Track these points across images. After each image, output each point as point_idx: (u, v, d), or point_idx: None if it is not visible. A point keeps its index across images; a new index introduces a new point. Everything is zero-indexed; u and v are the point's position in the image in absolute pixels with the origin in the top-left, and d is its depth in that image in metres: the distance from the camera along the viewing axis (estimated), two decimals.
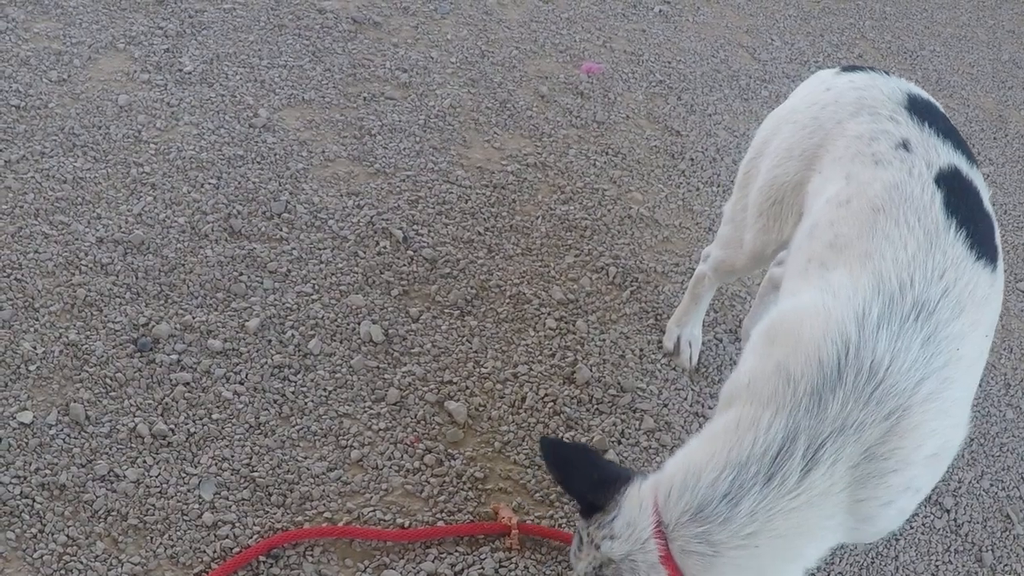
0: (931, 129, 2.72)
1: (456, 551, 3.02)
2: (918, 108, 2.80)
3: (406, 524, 3.06)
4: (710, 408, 3.53)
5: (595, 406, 3.48)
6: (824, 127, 2.88)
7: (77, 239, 3.75)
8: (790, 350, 2.42)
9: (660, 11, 5.83)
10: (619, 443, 3.37)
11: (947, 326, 2.40)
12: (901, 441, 2.31)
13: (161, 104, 4.43)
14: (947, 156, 2.67)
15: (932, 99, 2.95)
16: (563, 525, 3.14)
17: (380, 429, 3.31)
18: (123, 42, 4.75)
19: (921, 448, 2.33)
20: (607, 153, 4.58)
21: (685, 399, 3.56)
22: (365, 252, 3.88)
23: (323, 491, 3.12)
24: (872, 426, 2.31)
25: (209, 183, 4.06)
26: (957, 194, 2.58)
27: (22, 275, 3.60)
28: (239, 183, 4.08)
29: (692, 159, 4.66)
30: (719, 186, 4.52)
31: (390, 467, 3.21)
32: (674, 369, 3.65)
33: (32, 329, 3.43)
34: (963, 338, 2.42)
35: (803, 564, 2.42)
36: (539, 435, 3.35)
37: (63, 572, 2.84)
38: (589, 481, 2.58)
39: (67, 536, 2.92)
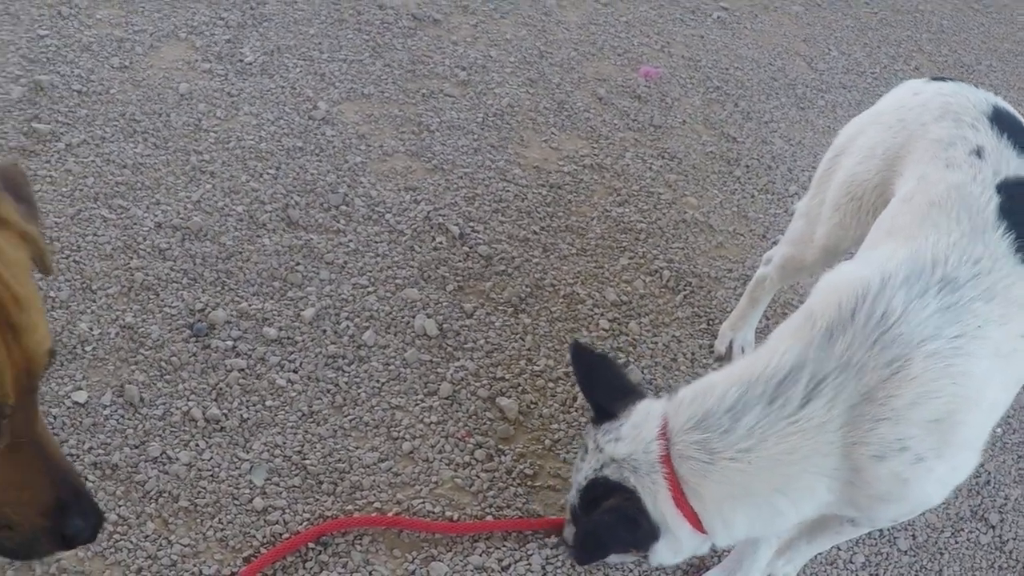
0: (1008, 141, 2.74)
1: (504, 546, 3.04)
2: (1001, 120, 2.82)
3: (455, 517, 3.08)
4: None
5: None
6: (908, 128, 2.92)
7: (136, 223, 3.79)
8: (820, 298, 2.54)
9: (718, 17, 5.83)
10: None
11: (971, 303, 2.44)
12: (897, 390, 2.36)
13: (221, 94, 4.46)
14: (1017, 167, 2.68)
15: (1020, 115, 2.95)
16: None
17: (432, 422, 3.33)
18: (185, 31, 4.79)
19: (917, 406, 2.37)
20: (663, 157, 4.59)
21: None
22: (421, 247, 3.90)
23: (373, 481, 3.14)
24: (873, 370, 2.37)
25: (268, 173, 4.09)
26: (1016, 201, 2.60)
27: (80, 257, 3.63)
28: (297, 174, 4.11)
29: (747, 166, 4.66)
30: (774, 194, 4.52)
31: (440, 460, 3.23)
32: None
33: (89, 310, 3.47)
34: (989, 323, 2.45)
35: (791, 504, 2.51)
36: None
37: (113, 550, 2.87)
38: (608, 388, 2.77)
39: (118, 515, 2.94)
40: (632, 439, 2.61)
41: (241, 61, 4.67)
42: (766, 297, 3.67)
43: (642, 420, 2.64)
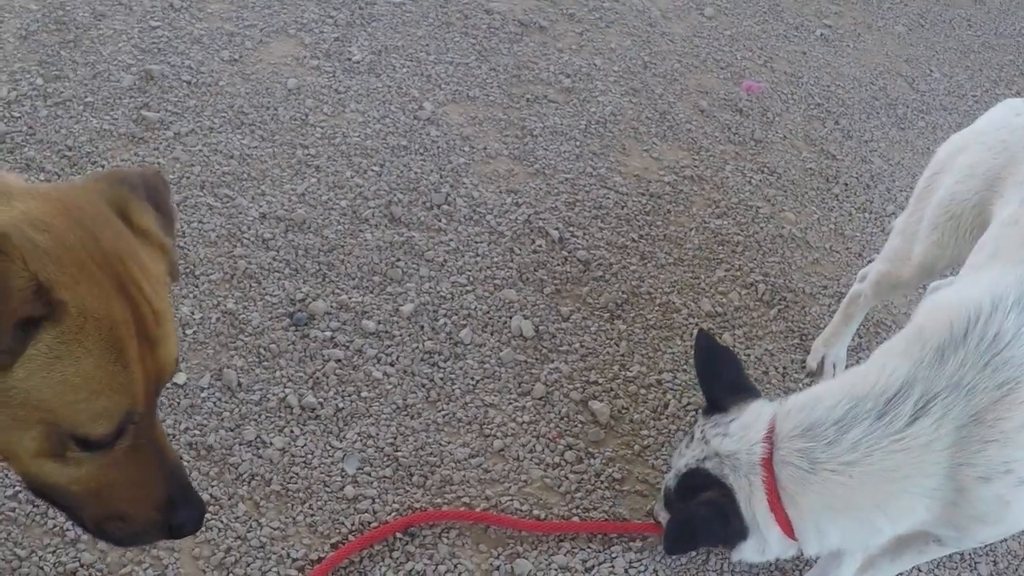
0: None
1: (589, 548, 3.06)
2: None
3: (542, 516, 3.11)
4: None
5: None
6: (1010, 150, 2.90)
7: (241, 213, 3.86)
8: (930, 317, 2.53)
9: (821, 34, 5.82)
10: None
11: None
12: (1007, 412, 2.34)
13: (329, 90, 4.53)
14: None
15: None
16: None
17: (524, 422, 3.36)
18: (294, 28, 4.87)
19: None
20: (763, 171, 4.60)
21: None
22: (521, 249, 3.94)
23: (463, 476, 3.18)
24: (983, 392, 2.35)
25: (372, 170, 4.15)
26: None
27: (185, 243, 3.71)
28: (401, 172, 4.16)
29: (846, 184, 4.66)
30: (871, 213, 4.51)
31: (531, 459, 3.26)
32: None
33: (192, 295, 3.54)
34: None
35: (893, 520, 2.51)
36: (679, 442, 3.38)
37: (204, 529, 2.92)
38: (725, 382, 2.82)
39: (210, 495, 3.01)
40: (739, 437, 2.64)
41: (349, 59, 4.73)
42: (860, 314, 3.67)
43: (751, 420, 2.66)
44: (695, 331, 3.70)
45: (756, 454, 2.58)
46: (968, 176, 3.00)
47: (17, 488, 2.94)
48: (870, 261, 4.09)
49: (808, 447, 2.50)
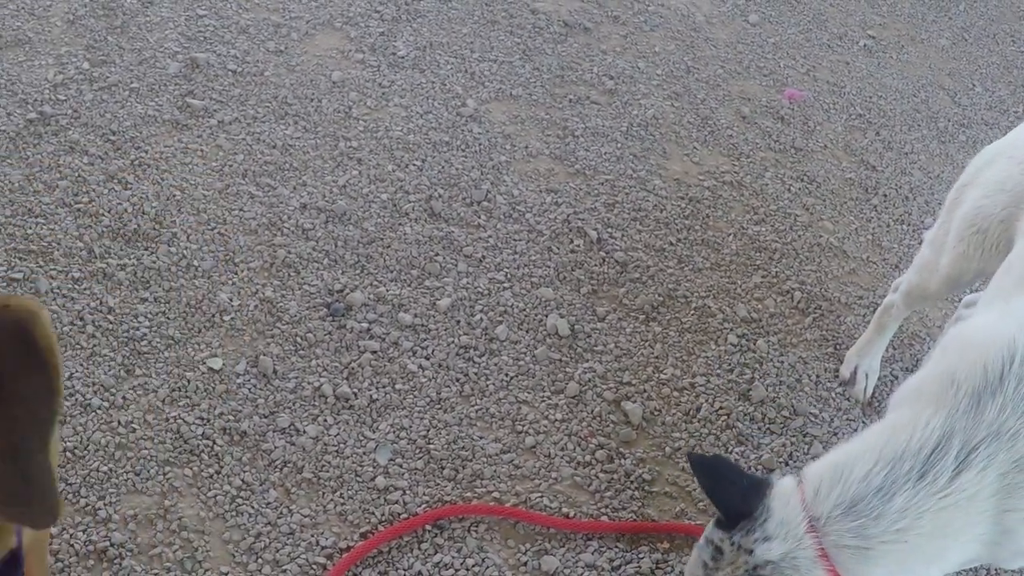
0: None
1: (616, 547, 3.07)
2: None
3: (571, 514, 3.12)
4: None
5: (767, 425, 3.50)
6: None
7: (282, 202, 3.89)
8: (958, 357, 2.39)
9: (865, 45, 5.81)
10: (786, 464, 3.39)
11: None
12: None
13: (373, 84, 4.56)
14: None
15: None
16: None
17: (556, 420, 3.38)
18: (340, 21, 4.89)
19: None
20: (802, 180, 4.60)
21: (855, 430, 3.55)
22: (559, 248, 3.96)
23: (494, 471, 3.20)
24: None
25: (414, 164, 4.17)
26: None
27: (225, 230, 3.74)
28: (442, 168, 4.19)
29: (885, 195, 4.65)
30: (910, 225, 4.51)
31: (562, 457, 3.28)
32: (848, 399, 3.66)
33: (230, 282, 3.57)
34: None
35: (942, 567, 2.41)
36: (711, 446, 3.39)
37: (234, 513, 2.96)
38: (738, 489, 2.54)
39: (242, 480, 3.04)
40: (783, 537, 2.42)
41: (394, 54, 4.76)
42: (893, 325, 3.65)
43: (786, 514, 2.44)
44: (729, 336, 3.72)
45: (809, 547, 2.38)
46: (996, 191, 2.96)
47: None
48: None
49: (858, 524, 2.34)
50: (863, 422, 3.59)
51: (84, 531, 2.86)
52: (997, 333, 2.38)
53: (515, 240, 3.95)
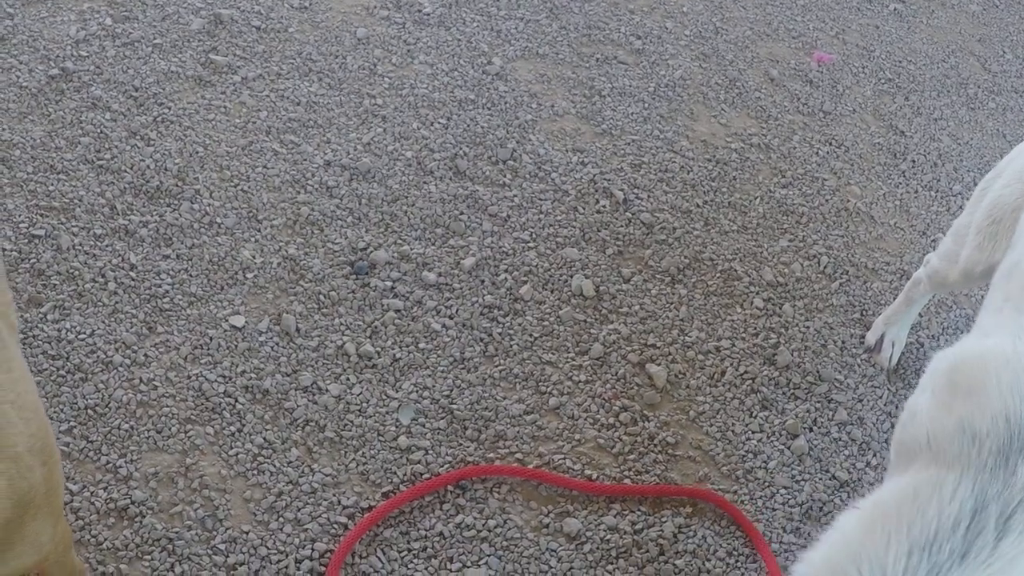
0: None
1: (639, 510, 3.05)
2: None
3: (594, 476, 3.11)
4: (903, 410, 3.49)
5: (791, 390, 3.48)
6: None
7: (305, 159, 3.87)
8: (975, 405, 2.12)
9: (895, 9, 5.75)
10: (810, 431, 3.37)
11: None
12: None
13: (398, 41, 4.52)
14: None
15: None
16: (745, 501, 3.15)
17: (580, 381, 3.36)
18: None
19: None
20: (830, 144, 4.56)
21: (880, 397, 3.53)
22: (584, 208, 3.93)
23: (517, 432, 3.18)
24: None
25: (439, 122, 4.14)
26: None
27: (249, 187, 3.72)
28: (468, 126, 4.15)
29: (914, 161, 4.61)
30: (937, 191, 4.47)
31: (585, 419, 3.26)
32: (873, 366, 3.63)
33: (253, 239, 3.55)
34: None
35: None
36: (735, 410, 3.36)
37: (255, 472, 2.95)
38: None
39: (264, 439, 3.02)
40: None
41: (419, 11, 4.72)
42: (922, 300, 3.60)
43: None
44: (755, 300, 3.69)
45: None
46: (1016, 180, 2.87)
47: (72, 423, 2.97)
48: (934, 241, 4.06)
49: None
50: (888, 388, 3.56)
51: (105, 489, 2.85)
52: (1017, 375, 2.14)
53: (540, 200, 3.92)
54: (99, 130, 3.84)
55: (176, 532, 2.80)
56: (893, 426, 3.42)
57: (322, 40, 4.44)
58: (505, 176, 3.98)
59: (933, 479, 2.06)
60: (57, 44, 4.16)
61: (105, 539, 2.76)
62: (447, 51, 4.52)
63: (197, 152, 3.82)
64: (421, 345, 3.35)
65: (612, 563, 2.93)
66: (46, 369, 3.10)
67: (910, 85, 5.13)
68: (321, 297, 3.43)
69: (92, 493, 2.84)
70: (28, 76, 3.99)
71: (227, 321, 3.31)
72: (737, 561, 3.00)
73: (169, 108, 3.98)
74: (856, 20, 5.53)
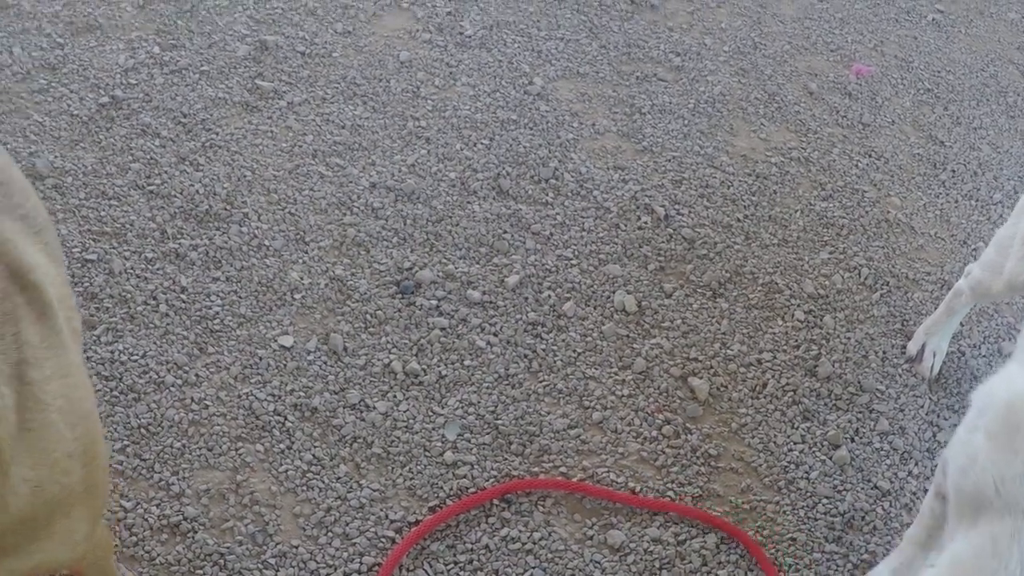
0: None
1: (682, 522, 3.09)
2: None
3: (637, 489, 3.14)
4: (944, 419, 3.52)
5: (833, 401, 3.51)
6: None
7: (351, 182, 3.93)
8: None
9: (933, 19, 5.77)
10: (852, 440, 3.39)
11: None
12: None
13: (440, 64, 4.59)
14: None
15: None
16: (787, 511, 3.18)
17: (623, 395, 3.40)
18: (407, 2, 4.93)
19: None
20: (870, 155, 4.58)
21: (921, 407, 3.55)
22: (626, 225, 3.97)
23: (561, 446, 3.23)
24: None
25: (482, 143, 4.20)
26: None
27: (296, 210, 3.79)
28: (510, 146, 4.21)
29: (954, 171, 4.62)
30: (978, 200, 4.48)
31: (628, 432, 3.30)
32: (914, 376, 3.65)
33: (301, 261, 3.62)
34: None
35: None
36: (777, 422, 3.39)
37: (305, 488, 3.01)
38: None
39: (313, 455, 3.09)
40: None
41: (461, 33, 4.78)
42: (963, 310, 3.59)
43: None
44: (796, 312, 3.72)
45: None
46: None
47: (125, 442, 3.04)
48: (975, 251, 4.08)
49: None
50: (929, 398, 3.58)
51: (158, 506, 2.92)
52: None
53: (583, 217, 3.96)
54: (149, 156, 3.92)
55: (227, 547, 2.86)
56: (935, 436, 3.45)
57: (366, 64, 4.51)
58: (547, 195, 4.03)
59: (1010, 530, 2.00)
60: (107, 73, 4.25)
61: (158, 555, 2.82)
62: (488, 72, 4.58)
63: (245, 176, 3.89)
64: (466, 362, 3.41)
65: (655, 574, 2.97)
66: (100, 390, 3.17)
67: (949, 95, 5.15)
68: (368, 316, 3.49)
69: (145, 510, 2.90)
70: (79, 104, 4.08)
71: (276, 341, 3.37)
72: (780, 571, 3.03)
73: (217, 133, 4.06)
74: (894, 31, 5.55)
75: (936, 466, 3.34)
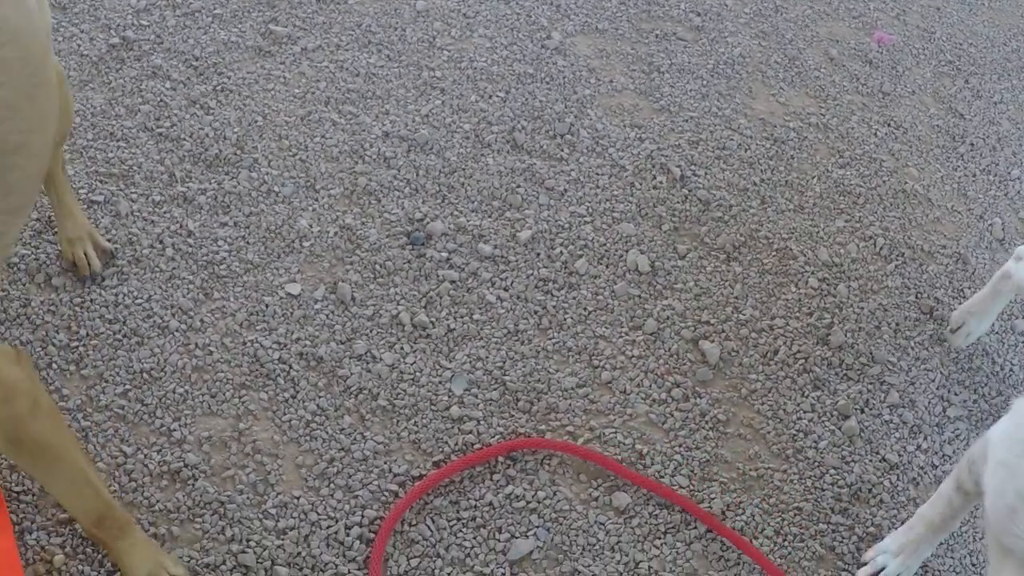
0: None
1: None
2: None
3: (644, 451, 3.11)
4: (955, 394, 3.48)
5: (844, 371, 3.47)
6: None
7: (364, 130, 3.88)
8: None
9: None
10: (862, 412, 3.36)
11: None
12: None
13: (457, 14, 4.53)
14: None
15: None
16: (794, 480, 3.14)
17: (633, 356, 3.36)
18: None
19: None
20: (889, 125, 4.53)
21: (933, 380, 3.52)
22: (641, 184, 3.93)
23: (569, 405, 3.19)
24: None
25: (497, 95, 4.15)
26: None
27: (307, 156, 3.74)
28: (526, 100, 4.16)
29: (972, 144, 4.57)
30: (996, 175, 4.43)
31: (637, 394, 3.26)
32: (927, 349, 3.61)
33: (311, 208, 3.57)
34: None
35: None
36: (787, 389, 3.36)
37: (308, 438, 2.98)
38: None
39: (317, 406, 3.05)
40: None
41: None
42: (1008, 294, 3.50)
43: None
44: (810, 280, 3.68)
45: None
46: None
47: (127, 386, 3.01)
48: (991, 225, 4.04)
49: None
50: (940, 372, 3.54)
51: (159, 451, 2.88)
52: None
53: (598, 174, 3.92)
54: (159, 98, 3.87)
55: (228, 496, 2.82)
56: (944, 411, 3.42)
57: (381, 12, 4.45)
58: (563, 151, 3.98)
59: None
60: (117, 13, 4.19)
61: (157, 501, 2.79)
62: (506, 25, 4.53)
63: (256, 121, 3.84)
64: (475, 316, 3.37)
65: (660, 538, 2.94)
66: (103, 333, 3.13)
67: (970, 67, 5.09)
68: (377, 267, 3.45)
69: (146, 456, 2.87)
70: (89, 44, 4.02)
71: (283, 288, 3.33)
72: (785, 540, 3.01)
73: (228, 78, 4.00)
74: (917, 1, 5.49)
75: (954, 453, 3.32)
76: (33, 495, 2.74)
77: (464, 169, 3.82)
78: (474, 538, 2.85)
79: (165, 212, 3.48)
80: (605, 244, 3.68)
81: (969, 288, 3.83)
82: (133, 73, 3.95)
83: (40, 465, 2.29)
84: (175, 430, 2.94)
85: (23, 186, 2.11)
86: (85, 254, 3.23)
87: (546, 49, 4.43)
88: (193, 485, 2.83)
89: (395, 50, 4.27)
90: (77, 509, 2.43)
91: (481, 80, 4.21)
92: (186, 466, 2.86)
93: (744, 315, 3.56)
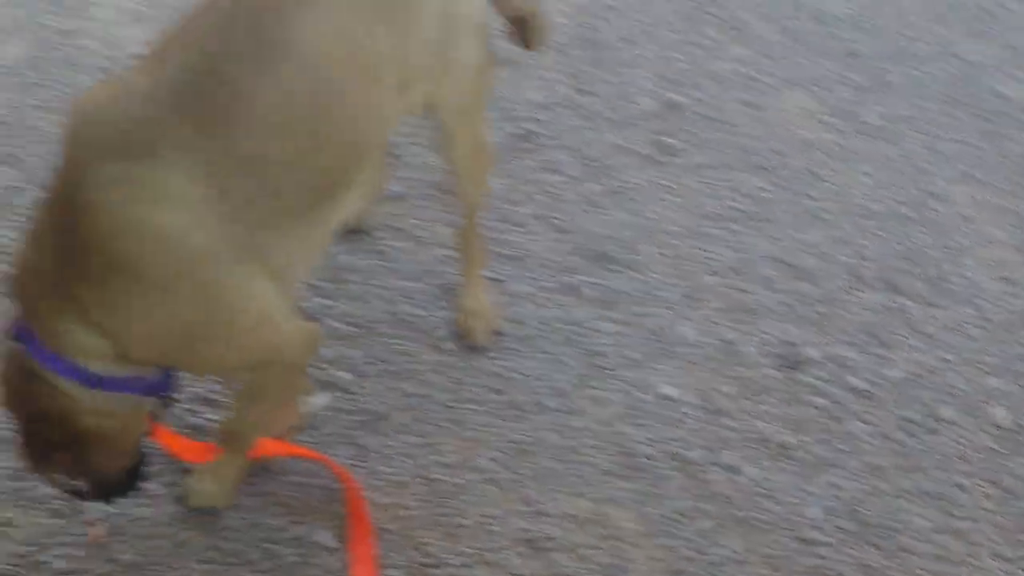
0: None
1: None
2: None
3: None
4: None
5: None
6: None
7: (748, 250, 4.03)
8: None
9: None
10: None
11: None
12: None
13: (839, 148, 4.64)
14: None
15: None
16: None
17: (987, 510, 3.39)
18: (809, 82, 4.99)
19: None
20: None
21: None
22: (1007, 339, 3.97)
23: (922, 549, 3.24)
24: None
25: (876, 233, 4.24)
26: None
27: (692, 267, 3.93)
28: (901, 240, 4.24)
29: None
30: None
31: (988, 548, 3.29)
32: None
33: (692, 318, 3.73)
34: None
35: None
36: None
37: (665, 534, 3.12)
38: None
39: (679, 504, 3.20)
40: None
41: (862, 121, 4.82)
42: None
43: None
44: None
45: None
46: None
47: (502, 453, 3.24)
48: None
49: None
50: None
51: (522, 519, 3.07)
52: None
53: (966, 324, 3.96)
54: (554, 191, 4.09)
55: (581, 573, 2.98)
56: None
57: (767, 136, 4.59)
58: (934, 295, 4.04)
59: None
60: (521, 106, 4.45)
61: (515, 566, 2.98)
62: (886, 165, 4.60)
63: (644, 226, 4.02)
64: (838, 445, 3.45)
65: None
66: (484, 400, 3.36)
67: None
68: (749, 383, 3.58)
69: (510, 522, 3.06)
70: (496, 132, 4.27)
71: (659, 389, 3.49)
72: None
73: (618, 180, 4.20)
74: None
75: None
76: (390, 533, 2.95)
77: (839, 300, 3.92)
78: None
79: (554, 299, 3.69)
80: (968, 394, 3.72)
81: None
82: (532, 164, 4.19)
83: (252, 400, 2.70)
84: (541, 502, 3.12)
85: None
86: (477, 327, 3.47)
87: (923, 192, 4.49)
88: (548, 556, 3.00)
89: (780, 176, 4.40)
90: (244, 429, 2.78)
91: (860, 216, 4.30)
92: (546, 537, 3.04)
93: None
